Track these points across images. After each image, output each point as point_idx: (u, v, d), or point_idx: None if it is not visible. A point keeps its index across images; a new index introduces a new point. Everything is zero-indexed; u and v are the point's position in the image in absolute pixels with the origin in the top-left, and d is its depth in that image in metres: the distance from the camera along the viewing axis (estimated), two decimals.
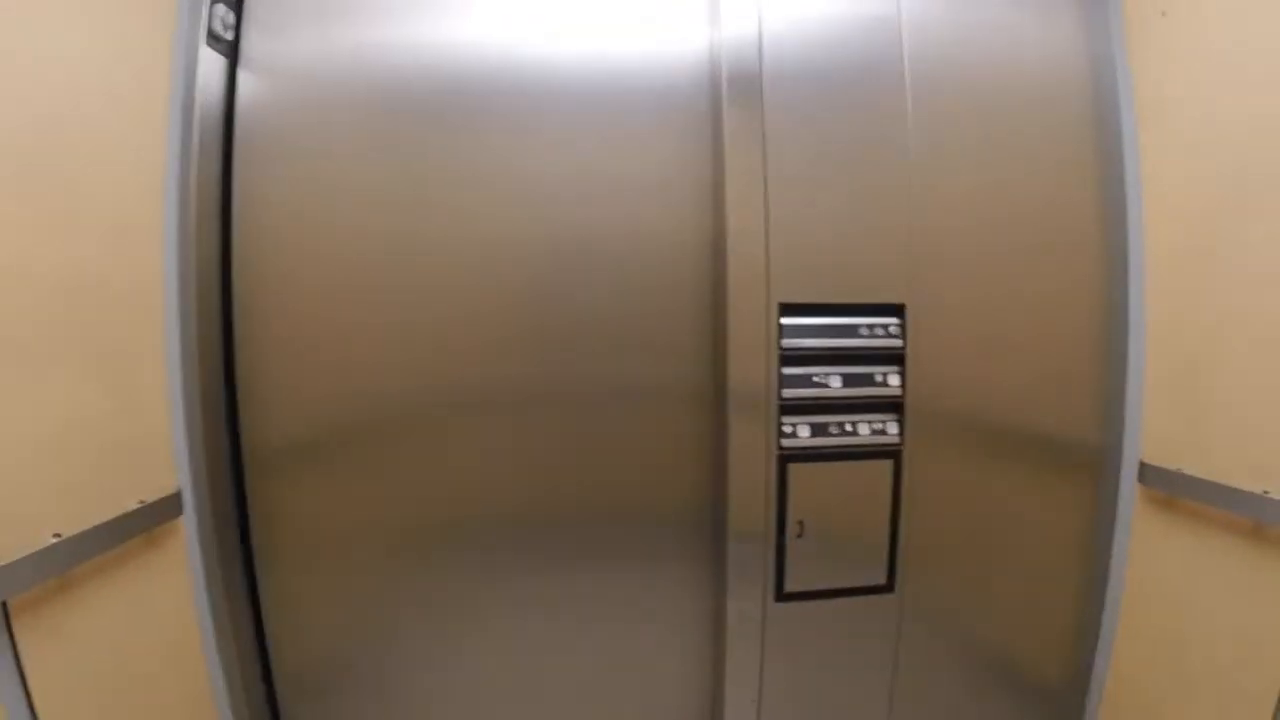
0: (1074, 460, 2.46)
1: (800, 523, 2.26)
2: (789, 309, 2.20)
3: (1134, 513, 2.43)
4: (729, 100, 2.18)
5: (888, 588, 2.34)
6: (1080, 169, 2.40)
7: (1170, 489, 2.28)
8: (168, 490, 2.03)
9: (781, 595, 2.30)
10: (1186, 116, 2.22)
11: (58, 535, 1.62)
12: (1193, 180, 2.20)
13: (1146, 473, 2.36)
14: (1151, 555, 2.38)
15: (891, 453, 2.28)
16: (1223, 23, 2.08)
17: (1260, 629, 2.01)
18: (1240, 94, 2.03)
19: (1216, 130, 2.11)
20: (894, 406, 2.28)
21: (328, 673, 2.33)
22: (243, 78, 2.15)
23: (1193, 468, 2.19)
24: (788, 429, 2.22)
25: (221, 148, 2.14)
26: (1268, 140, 1.96)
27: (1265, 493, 1.94)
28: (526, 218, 2.21)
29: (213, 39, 2.08)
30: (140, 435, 1.97)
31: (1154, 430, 2.37)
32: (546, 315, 2.23)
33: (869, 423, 2.27)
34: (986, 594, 2.46)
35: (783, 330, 2.20)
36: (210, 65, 2.08)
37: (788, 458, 2.23)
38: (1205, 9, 2.14)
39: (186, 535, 2.10)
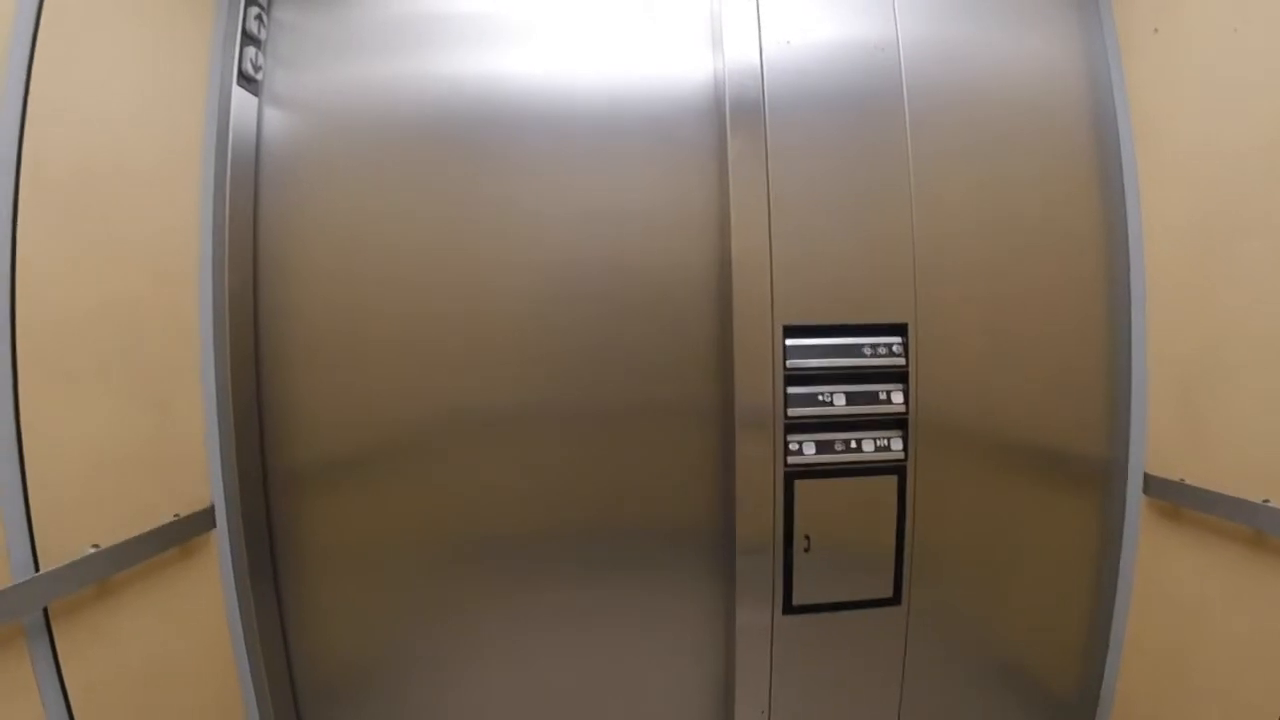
0: (1078, 472, 2.49)
1: (807, 537, 2.31)
2: (793, 330, 2.27)
3: (1139, 523, 2.45)
4: (732, 127, 2.26)
5: (894, 600, 2.38)
6: (1079, 185, 2.44)
7: (1174, 499, 2.30)
8: (202, 504, 2.14)
9: (789, 608, 2.35)
10: (1182, 132, 2.25)
11: (96, 546, 1.72)
12: (1190, 195, 2.23)
13: (1150, 484, 2.38)
14: (1157, 565, 2.39)
15: (896, 468, 2.32)
16: (1213, 38, 2.12)
17: (1264, 637, 2.02)
18: (1233, 108, 2.07)
19: (1211, 145, 2.14)
20: (898, 423, 2.33)
21: (348, 679, 2.41)
22: (267, 113, 2.28)
23: (1196, 478, 2.21)
24: (794, 446, 2.28)
25: (253, 181, 2.26)
26: (1261, 154, 1.99)
27: (1267, 502, 1.96)
28: (539, 244, 2.31)
29: (244, 79, 2.21)
30: (176, 452, 2.07)
31: (1157, 441, 2.39)
32: (560, 337, 2.31)
33: (873, 439, 2.31)
34: (993, 606, 2.49)
35: (787, 351, 2.26)
36: (242, 105, 2.20)
37: (794, 474, 2.29)
38: (1196, 25, 2.18)
39: (219, 547, 2.21)
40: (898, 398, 2.31)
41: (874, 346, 2.29)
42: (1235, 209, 2.07)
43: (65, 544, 1.65)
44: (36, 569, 1.58)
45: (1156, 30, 2.31)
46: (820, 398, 2.28)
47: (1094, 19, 2.47)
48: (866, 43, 2.32)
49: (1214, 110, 2.13)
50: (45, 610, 1.60)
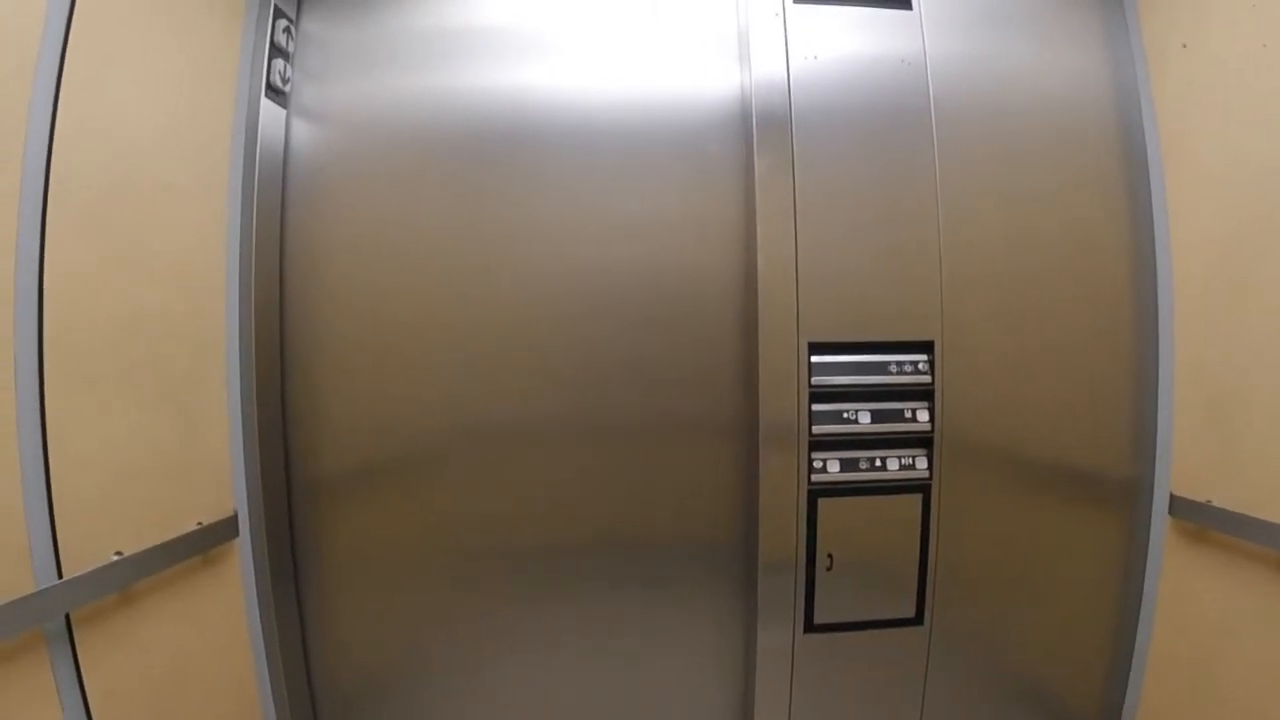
0: (1103, 492, 2.46)
1: (830, 555, 2.29)
2: (819, 347, 2.25)
3: (1164, 544, 2.42)
4: (759, 142, 2.25)
5: (917, 620, 2.36)
6: (1107, 203, 2.43)
7: (1200, 521, 2.27)
8: (225, 513, 2.14)
9: (811, 627, 2.33)
10: (1210, 146, 2.24)
11: (119, 553, 1.73)
12: (1219, 213, 2.21)
13: (1176, 505, 2.35)
14: (1182, 587, 2.36)
15: (921, 487, 2.30)
16: (1242, 53, 2.11)
17: None
18: (1262, 123, 2.05)
19: (1241, 159, 2.13)
20: (923, 441, 2.31)
21: (368, 687, 2.41)
22: (295, 125, 2.30)
23: (1222, 500, 2.18)
24: (818, 464, 2.26)
25: (280, 193, 2.27)
26: None
27: None
28: (565, 256, 2.31)
29: (272, 91, 2.22)
30: (200, 461, 2.08)
31: (1184, 462, 2.36)
32: (584, 351, 2.32)
33: (898, 457, 2.29)
34: (1016, 626, 2.46)
35: (813, 368, 2.25)
36: (270, 117, 2.22)
37: (818, 492, 2.27)
38: (1224, 40, 2.17)
39: (241, 556, 2.21)
40: (923, 416, 2.29)
41: (900, 364, 2.28)
42: (1265, 223, 2.06)
43: (89, 551, 1.66)
44: (60, 576, 1.58)
45: (1185, 45, 2.29)
46: (845, 415, 2.26)
47: (1121, 33, 2.46)
48: (893, 57, 2.32)
49: (1243, 125, 2.12)
50: (67, 617, 1.60)
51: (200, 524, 2.02)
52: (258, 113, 2.19)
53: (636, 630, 2.42)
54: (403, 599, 2.37)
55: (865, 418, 2.27)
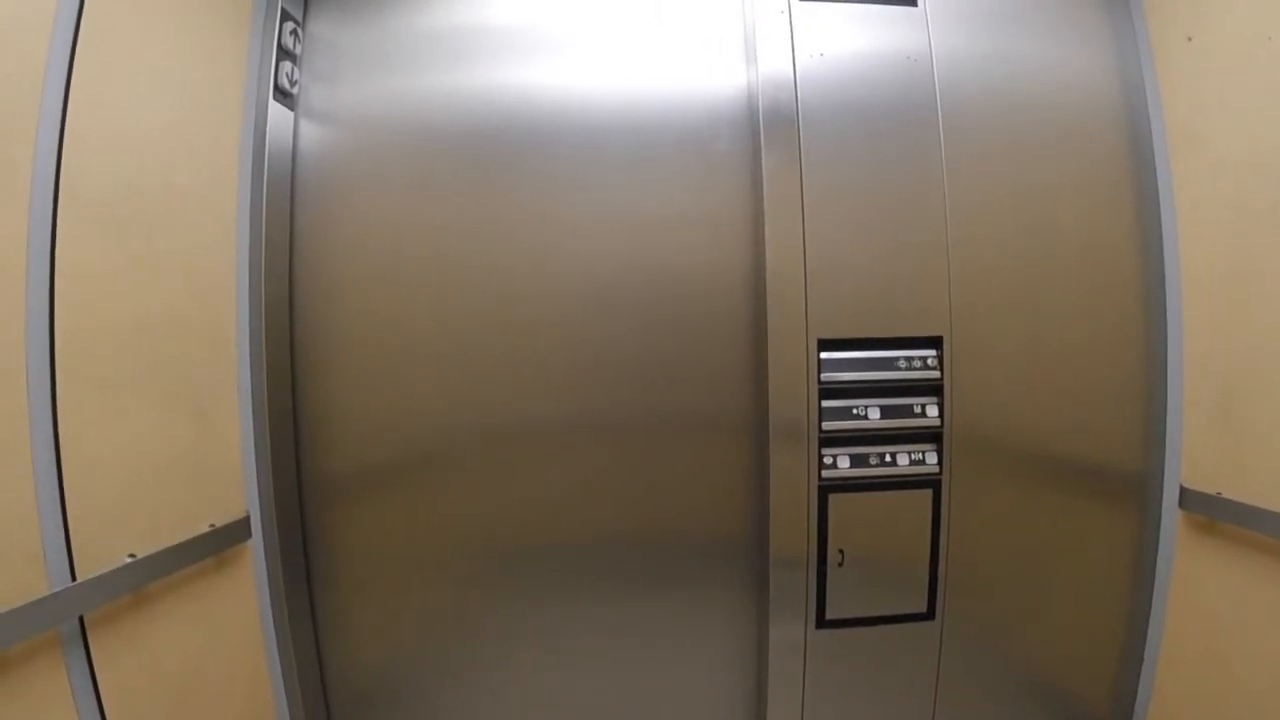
0: (1114, 486, 2.45)
1: (841, 551, 2.29)
2: (827, 344, 2.25)
3: (1175, 537, 2.41)
4: (766, 140, 2.26)
5: (928, 615, 2.35)
6: (1114, 194, 2.42)
7: (1211, 513, 2.26)
8: (237, 514, 2.15)
9: (823, 622, 2.32)
10: (1217, 139, 2.24)
11: (132, 556, 1.73)
12: (1227, 206, 2.21)
13: (1187, 497, 2.35)
14: (1193, 579, 2.35)
15: (931, 482, 2.30)
16: (1247, 46, 2.11)
17: None
18: (1268, 116, 2.05)
19: (1247, 152, 2.13)
20: (933, 437, 2.31)
21: (380, 687, 2.41)
22: (303, 127, 2.30)
23: (1233, 492, 2.18)
24: (828, 460, 2.26)
25: (289, 194, 2.28)
26: None
27: None
28: (573, 255, 2.31)
29: (280, 94, 2.23)
30: (213, 463, 2.09)
31: (1194, 455, 2.35)
32: (592, 348, 2.32)
33: (908, 453, 2.29)
34: (1027, 620, 2.46)
35: (822, 364, 2.25)
36: (278, 119, 2.23)
37: (828, 488, 2.27)
38: (1229, 33, 2.17)
39: (254, 557, 2.21)
40: (932, 411, 2.29)
41: (909, 359, 2.28)
42: (1271, 215, 2.06)
43: (102, 553, 1.66)
44: (73, 578, 1.58)
45: (1190, 39, 2.30)
46: (855, 411, 2.26)
47: (1127, 27, 2.46)
48: (899, 53, 2.32)
49: (1249, 118, 2.12)
50: (81, 619, 1.61)
51: (213, 526, 2.02)
52: (266, 115, 2.20)
53: (649, 627, 2.42)
54: (416, 599, 2.37)
55: (875, 413, 2.27)
